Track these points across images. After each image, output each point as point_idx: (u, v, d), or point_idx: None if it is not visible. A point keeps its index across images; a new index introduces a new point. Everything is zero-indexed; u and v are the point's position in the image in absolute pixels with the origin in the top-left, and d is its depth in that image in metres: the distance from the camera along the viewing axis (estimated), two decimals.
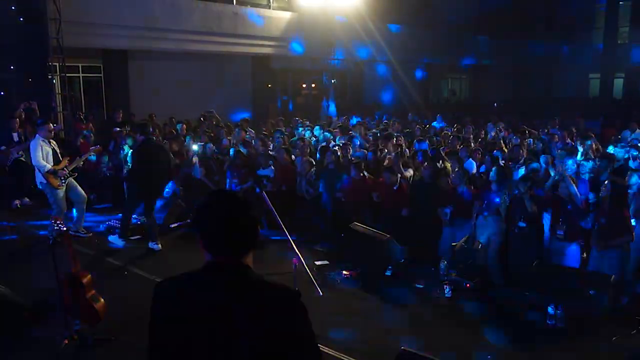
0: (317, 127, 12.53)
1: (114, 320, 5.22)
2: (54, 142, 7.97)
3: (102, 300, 5.09)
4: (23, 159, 9.79)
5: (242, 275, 1.90)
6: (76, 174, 8.16)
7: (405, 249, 7.02)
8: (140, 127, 7.91)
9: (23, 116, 10.64)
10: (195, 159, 9.45)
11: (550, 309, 5.45)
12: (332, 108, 20.10)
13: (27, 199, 10.04)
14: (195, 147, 9.80)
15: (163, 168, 7.84)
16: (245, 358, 1.81)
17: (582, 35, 29.33)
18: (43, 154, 7.61)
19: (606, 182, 6.07)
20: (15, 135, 9.94)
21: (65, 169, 7.80)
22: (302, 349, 1.89)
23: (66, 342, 4.79)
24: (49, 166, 7.62)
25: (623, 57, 26.48)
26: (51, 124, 8.04)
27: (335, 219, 8.16)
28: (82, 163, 8.67)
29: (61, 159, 7.87)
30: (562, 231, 6.22)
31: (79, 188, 8.13)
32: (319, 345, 1.95)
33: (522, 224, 6.48)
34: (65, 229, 5.00)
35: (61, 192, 7.77)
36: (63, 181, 7.77)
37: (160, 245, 7.79)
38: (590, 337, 5.26)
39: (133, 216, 8.38)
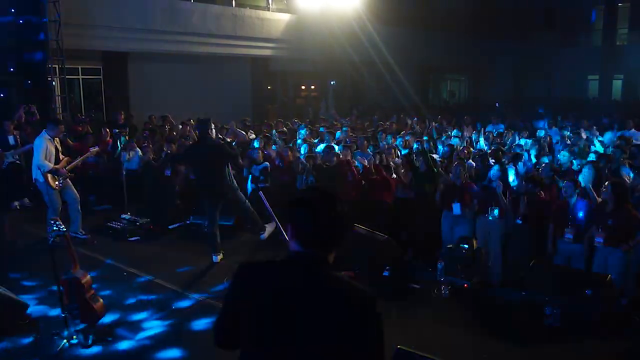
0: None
1: (113, 321, 5.25)
2: (58, 141, 7.98)
3: (101, 300, 5.12)
4: (18, 162, 9.78)
5: (324, 269, 1.98)
6: (73, 175, 8.18)
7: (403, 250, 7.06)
8: (199, 124, 7.36)
9: (23, 119, 10.64)
10: None
11: (547, 309, 5.47)
12: (331, 110, 20.14)
13: (27, 200, 10.07)
14: None
15: (213, 169, 7.12)
16: (313, 347, 1.89)
17: (581, 37, 29.42)
18: (47, 153, 7.63)
19: (606, 183, 6.07)
20: (11, 138, 9.94)
21: (64, 168, 7.83)
22: (367, 353, 1.92)
23: (65, 342, 4.82)
24: (51, 165, 7.64)
25: (622, 59, 26.59)
26: (63, 126, 8.00)
27: None
28: (80, 163, 8.65)
29: (61, 158, 7.90)
30: (571, 234, 6.18)
31: (72, 188, 8.13)
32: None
33: (519, 221, 6.53)
34: (64, 229, 5.03)
35: (57, 192, 7.79)
36: (61, 181, 7.80)
37: (220, 257, 7.27)
38: (586, 337, 5.28)
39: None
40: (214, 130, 7.39)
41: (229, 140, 7.93)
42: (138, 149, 10.33)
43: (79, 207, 8.18)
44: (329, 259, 2.01)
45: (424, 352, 4.00)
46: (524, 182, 6.85)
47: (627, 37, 27.93)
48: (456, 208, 7.06)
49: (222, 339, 2.12)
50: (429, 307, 6.06)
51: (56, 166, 7.71)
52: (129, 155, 10.14)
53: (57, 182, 7.73)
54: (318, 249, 1.98)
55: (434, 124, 12.93)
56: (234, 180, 7.48)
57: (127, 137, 10.57)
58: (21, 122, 10.53)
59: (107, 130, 11.33)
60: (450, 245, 6.83)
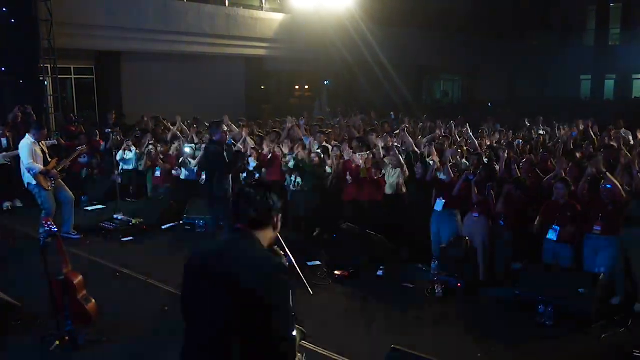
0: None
1: (105, 321, 5.23)
2: (44, 144, 7.95)
3: (94, 301, 5.10)
4: (9, 163, 9.71)
5: (248, 240, 2.33)
6: (64, 175, 8.14)
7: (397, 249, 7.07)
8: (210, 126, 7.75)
9: (19, 119, 10.55)
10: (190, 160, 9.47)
11: (540, 308, 5.50)
12: (326, 107, 20.17)
13: (18, 201, 10.00)
14: (187, 149, 9.75)
15: (214, 170, 7.44)
16: (223, 308, 2.21)
17: (574, 37, 29.56)
18: (34, 155, 7.58)
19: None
20: (3, 140, 9.87)
21: (55, 169, 7.78)
22: (272, 316, 2.16)
23: (57, 343, 4.79)
24: (40, 167, 7.60)
25: (614, 59, 26.71)
26: (46, 130, 8.04)
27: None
28: (69, 163, 8.59)
29: (49, 160, 7.86)
30: (554, 235, 6.22)
31: (66, 188, 8.09)
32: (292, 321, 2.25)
33: (502, 223, 6.56)
34: (56, 230, 5.01)
35: (50, 193, 7.75)
36: (53, 182, 7.75)
37: None
38: (579, 336, 5.31)
39: None
40: (227, 133, 7.81)
41: (241, 147, 8.20)
42: (134, 147, 10.29)
43: (72, 208, 8.15)
44: (258, 235, 2.35)
45: (417, 351, 4.02)
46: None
47: (619, 37, 28.07)
48: (438, 205, 7.10)
49: (183, 315, 2.41)
50: (423, 306, 6.07)
51: (46, 168, 7.67)
52: (124, 154, 10.11)
53: (49, 184, 7.69)
54: (245, 224, 2.36)
55: (427, 124, 12.95)
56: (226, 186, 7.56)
57: (120, 137, 10.53)
58: (17, 122, 10.46)
59: (97, 130, 11.28)
60: (444, 245, 6.84)
